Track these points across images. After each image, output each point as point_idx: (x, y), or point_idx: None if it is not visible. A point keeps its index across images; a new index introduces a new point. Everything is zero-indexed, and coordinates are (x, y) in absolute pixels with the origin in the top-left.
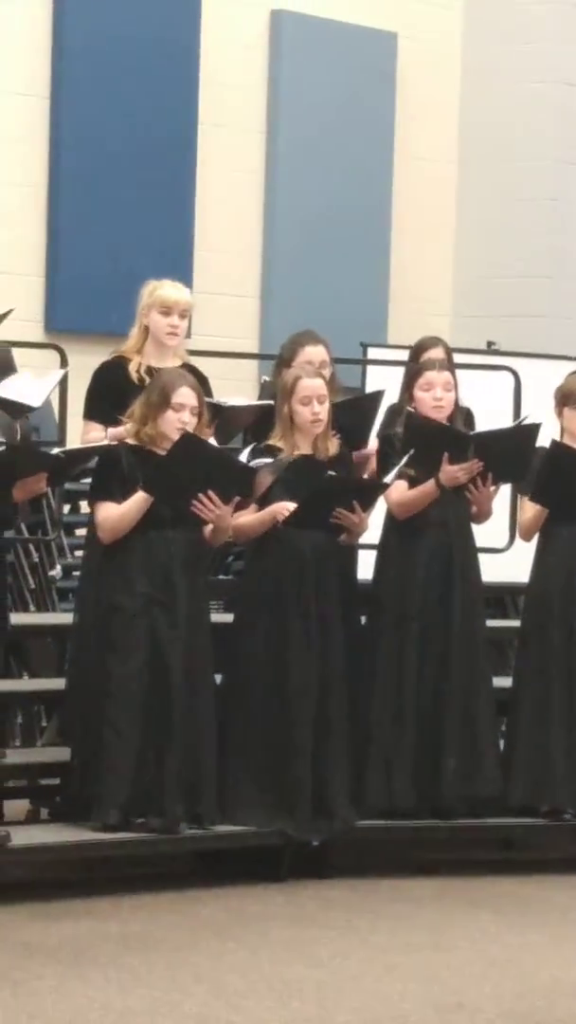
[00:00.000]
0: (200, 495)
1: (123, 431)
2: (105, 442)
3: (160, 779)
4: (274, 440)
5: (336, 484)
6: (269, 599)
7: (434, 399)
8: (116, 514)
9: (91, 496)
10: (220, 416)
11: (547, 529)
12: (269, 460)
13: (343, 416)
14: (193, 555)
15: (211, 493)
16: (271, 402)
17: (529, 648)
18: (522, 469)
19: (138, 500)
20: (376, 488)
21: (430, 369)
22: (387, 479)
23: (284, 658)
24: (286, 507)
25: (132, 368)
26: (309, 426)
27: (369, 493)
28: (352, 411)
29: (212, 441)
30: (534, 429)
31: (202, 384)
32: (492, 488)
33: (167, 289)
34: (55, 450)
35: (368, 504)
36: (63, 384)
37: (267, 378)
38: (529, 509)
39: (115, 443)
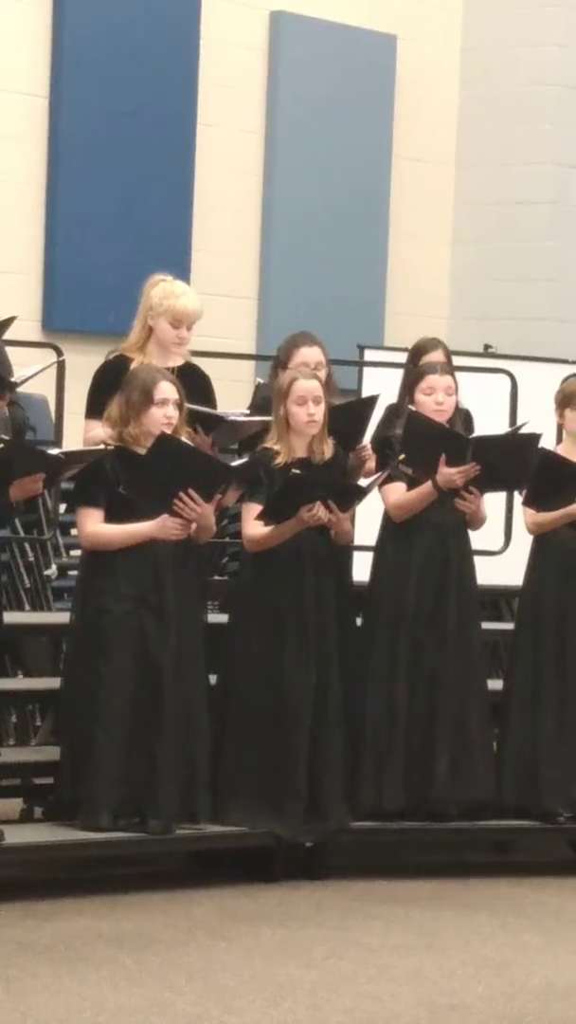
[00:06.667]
0: (181, 494)
1: (101, 434)
2: (103, 447)
3: (153, 780)
4: (270, 443)
5: (306, 484)
6: (265, 600)
7: (436, 403)
8: (105, 537)
9: (74, 501)
10: (219, 427)
11: (541, 533)
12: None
13: (337, 420)
14: (180, 554)
15: (192, 492)
16: (271, 418)
17: (521, 651)
18: (519, 478)
19: (133, 534)
20: (351, 490)
21: (432, 373)
22: (364, 484)
23: (280, 659)
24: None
25: (135, 367)
26: (304, 427)
27: (346, 495)
28: (346, 415)
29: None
30: (534, 439)
31: (204, 384)
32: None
33: (181, 300)
34: (55, 451)
35: (345, 506)
36: (60, 383)
37: (261, 380)
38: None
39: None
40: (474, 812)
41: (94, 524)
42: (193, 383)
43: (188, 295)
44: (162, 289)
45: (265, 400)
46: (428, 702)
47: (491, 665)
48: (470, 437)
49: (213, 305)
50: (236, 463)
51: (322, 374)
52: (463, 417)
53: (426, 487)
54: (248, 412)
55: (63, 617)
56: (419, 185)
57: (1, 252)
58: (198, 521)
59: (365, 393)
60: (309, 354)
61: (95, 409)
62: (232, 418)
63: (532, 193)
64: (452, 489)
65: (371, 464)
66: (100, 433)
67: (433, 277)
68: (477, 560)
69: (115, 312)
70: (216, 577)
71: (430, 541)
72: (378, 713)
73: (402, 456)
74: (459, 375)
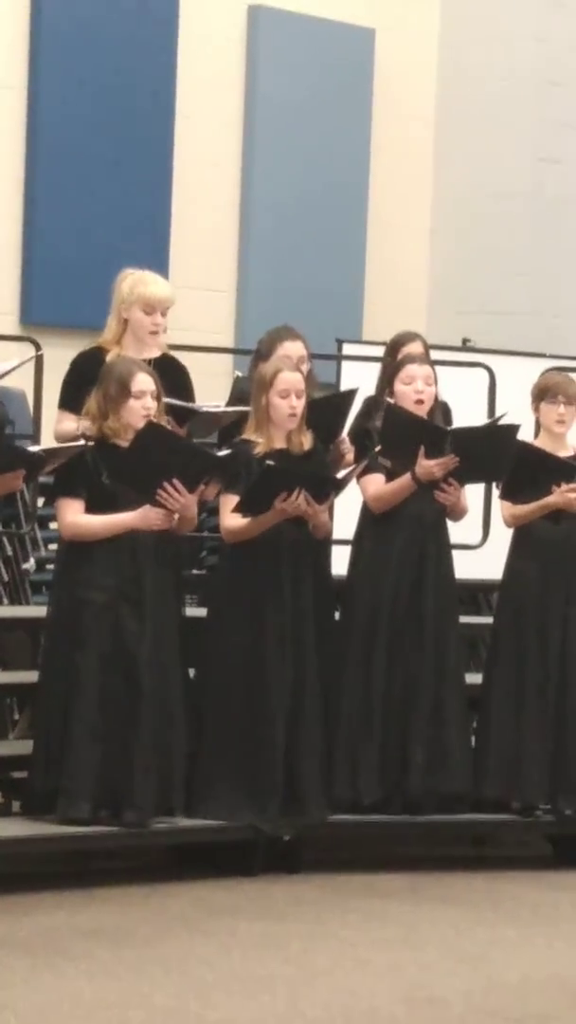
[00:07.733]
0: (165, 483)
1: (82, 428)
2: (83, 443)
3: (129, 772)
4: (249, 433)
5: (281, 476)
6: (244, 594)
7: (415, 392)
8: (87, 528)
9: (55, 491)
10: (195, 419)
11: (520, 526)
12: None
13: (316, 414)
14: (160, 546)
15: (176, 481)
16: (247, 408)
17: (502, 644)
18: (498, 470)
19: (115, 524)
20: (327, 482)
21: (411, 363)
22: (340, 475)
23: (259, 653)
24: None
25: (111, 360)
26: (285, 420)
27: (322, 487)
28: (325, 408)
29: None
30: (513, 430)
31: (182, 376)
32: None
33: (151, 287)
34: (34, 447)
35: (322, 498)
36: (38, 376)
37: (239, 373)
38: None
39: (90, 442)
40: (451, 805)
41: (74, 514)
42: (170, 374)
43: (158, 282)
44: (131, 280)
45: (244, 394)
46: (405, 695)
47: (469, 659)
48: (449, 429)
49: (191, 298)
50: (220, 454)
51: (304, 368)
52: (442, 409)
53: (405, 479)
54: (220, 405)
55: (41, 611)
56: (397, 179)
57: None
58: (181, 512)
59: (344, 387)
60: (292, 348)
61: (68, 400)
62: (206, 410)
63: (510, 187)
64: (431, 481)
65: (350, 456)
66: (71, 426)
67: (412, 271)
68: (455, 554)
69: (93, 305)
70: (195, 571)
71: (408, 534)
72: (355, 706)
73: (378, 448)
74: (437, 368)
